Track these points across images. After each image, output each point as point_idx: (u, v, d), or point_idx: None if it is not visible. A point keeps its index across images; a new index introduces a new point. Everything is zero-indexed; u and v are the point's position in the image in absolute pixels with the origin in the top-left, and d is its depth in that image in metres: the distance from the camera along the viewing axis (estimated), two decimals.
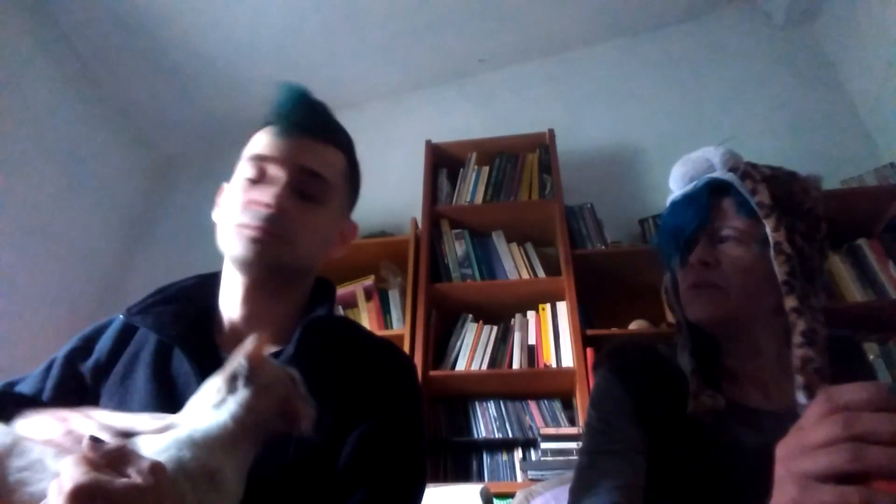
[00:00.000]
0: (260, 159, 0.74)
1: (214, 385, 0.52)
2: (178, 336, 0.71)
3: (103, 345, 0.75)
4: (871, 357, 1.71)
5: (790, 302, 0.73)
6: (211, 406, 0.50)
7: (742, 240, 0.78)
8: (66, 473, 0.42)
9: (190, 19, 2.38)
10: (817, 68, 2.59)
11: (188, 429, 0.49)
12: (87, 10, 2.30)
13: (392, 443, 0.68)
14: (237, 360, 0.52)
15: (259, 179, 0.73)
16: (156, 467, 0.44)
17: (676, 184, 0.87)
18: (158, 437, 0.48)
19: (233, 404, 0.50)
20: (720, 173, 0.81)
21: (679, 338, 0.84)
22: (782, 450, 0.44)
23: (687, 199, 0.83)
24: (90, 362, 0.73)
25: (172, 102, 2.71)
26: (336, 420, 0.65)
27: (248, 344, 0.53)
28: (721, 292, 0.78)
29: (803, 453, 0.41)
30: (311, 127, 0.77)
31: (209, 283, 0.79)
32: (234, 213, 0.71)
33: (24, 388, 0.73)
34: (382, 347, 0.78)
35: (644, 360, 0.83)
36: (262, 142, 0.76)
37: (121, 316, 0.77)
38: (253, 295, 0.73)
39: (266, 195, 0.70)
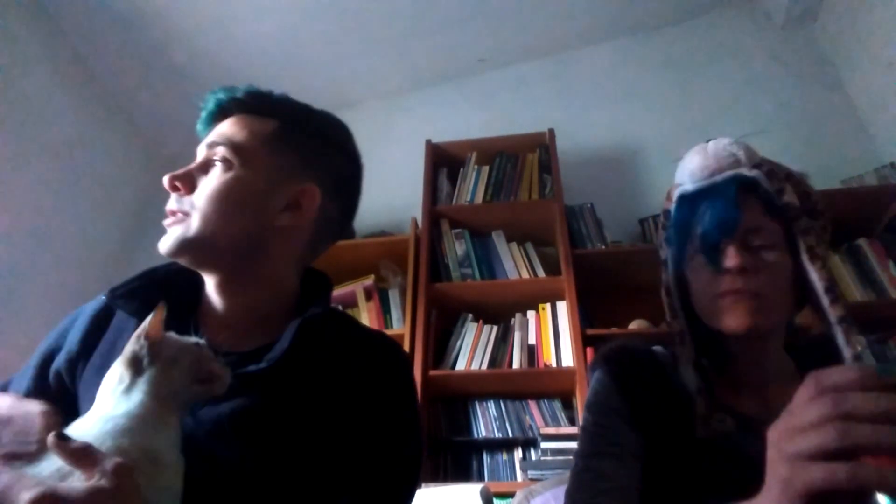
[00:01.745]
0: None
1: (117, 372, 0.51)
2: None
3: (73, 335, 0.72)
4: (859, 349, 1.72)
5: (837, 311, 0.69)
6: (121, 392, 0.50)
7: (775, 244, 0.73)
8: (18, 483, 0.40)
9: (190, 19, 2.38)
10: (817, 68, 2.59)
11: (111, 418, 0.48)
12: (87, 9, 2.30)
13: (380, 448, 0.66)
14: (135, 342, 0.52)
15: None
16: (120, 468, 0.43)
17: (693, 176, 0.79)
18: (87, 430, 0.47)
19: (143, 385, 0.50)
20: (746, 170, 0.75)
21: (682, 349, 0.78)
22: (773, 433, 0.46)
23: (709, 196, 0.76)
24: (62, 358, 0.70)
25: (172, 102, 2.70)
26: (326, 420, 0.64)
27: (146, 323, 0.52)
28: (762, 301, 0.72)
29: (794, 434, 0.43)
30: (218, 111, 0.76)
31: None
32: None
33: (17, 385, 0.71)
34: (375, 344, 0.76)
35: (640, 365, 0.80)
36: None
37: (102, 297, 0.73)
38: (220, 286, 0.72)
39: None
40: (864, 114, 2.44)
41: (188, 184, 0.70)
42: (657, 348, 0.86)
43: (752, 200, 0.75)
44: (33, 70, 2.26)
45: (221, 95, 0.76)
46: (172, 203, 0.71)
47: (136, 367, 0.50)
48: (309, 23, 2.48)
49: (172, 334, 0.54)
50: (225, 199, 0.69)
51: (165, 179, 0.70)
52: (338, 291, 2.22)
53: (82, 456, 0.43)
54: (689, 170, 0.79)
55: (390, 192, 2.42)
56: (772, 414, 0.72)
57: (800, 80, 2.58)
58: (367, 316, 2.18)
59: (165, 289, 0.73)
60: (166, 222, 0.70)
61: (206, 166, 0.72)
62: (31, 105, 2.24)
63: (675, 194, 0.82)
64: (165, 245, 0.68)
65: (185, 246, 0.68)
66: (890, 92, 2.28)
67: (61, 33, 2.38)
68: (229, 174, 0.70)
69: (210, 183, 0.70)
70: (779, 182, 0.74)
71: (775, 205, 0.74)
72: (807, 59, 2.63)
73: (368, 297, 2.22)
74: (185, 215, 0.69)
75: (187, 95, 2.93)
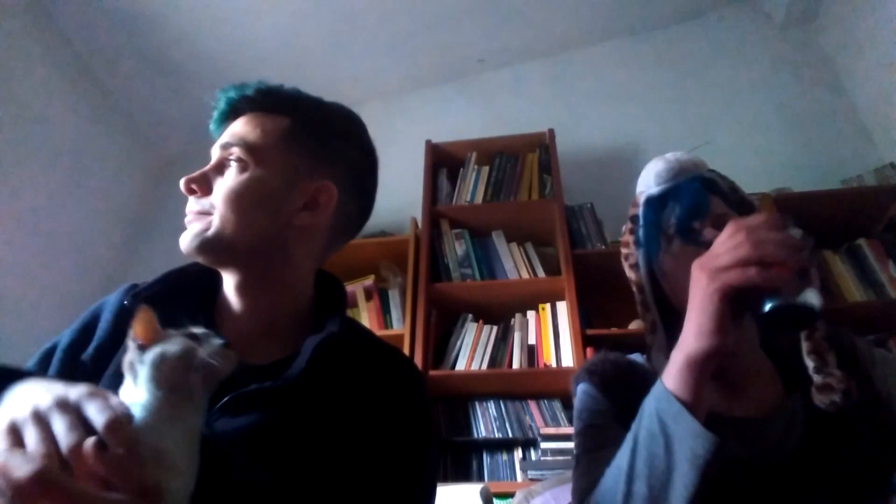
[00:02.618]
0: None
1: (126, 380, 0.53)
2: None
3: (103, 327, 0.71)
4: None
5: None
6: (131, 395, 0.51)
7: None
8: (13, 458, 0.39)
9: (190, 19, 2.38)
10: (817, 68, 2.59)
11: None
12: (87, 10, 2.30)
13: (396, 470, 0.65)
14: (128, 348, 0.53)
15: None
16: (154, 490, 0.42)
17: (659, 178, 0.86)
18: None
19: (143, 384, 0.51)
20: (705, 172, 0.84)
21: (655, 339, 0.82)
22: (697, 262, 0.61)
23: (676, 193, 0.82)
24: (91, 349, 0.69)
25: (172, 102, 2.71)
26: (342, 439, 0.63)
27: (132, 328, 0.53)
28: None
29: (715, 256, 0.59)
30: (230, 110, 0.76)
31: (214, 272, 0.75)
32: None
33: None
34: (391, 362, 0.74)
35: (622, 373, 0.83)
36: None
37: (122, 290, 0.74)
38: (239, 287, 0.71)
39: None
40: (864, 114, 2.44)
41: (204, 186, 0.70)
42: (635, 356, 0.89)
43: (714, 196, 0.81)
44: (33, 70, 2.26)
45: (232, 94, 0.75)
46: (192, 205, 0.71)
47: (133, 371, 0.52)
48: (309, 23, 2.48)
49: (166, 330, 0.55)
50: (242, 200, 0.68)
51: (182, 182, 0.70)
52: None
53: (119, 468, 0.42)
54: (655, 173, 0.86)
55: (390, 192, 2.39)
56: (751, 413, 0.73)
57: (800, 80, 2.58)
58: (367, 316, 2.18)
59: (185, 294, 0.72)
60: (187, 220, 0.70)
61: (221, 167, 0.71)
62: (31, 106, 2.24)
63: (641, 199, 0.87)
64: (185, 243, 0.68)
65: (204, 245, 0.68)
66: (890, 92, 2.28)
67: (61, 33, 2.38)
68: (245, 175, 0.69)
69: (226, 184, 0.69)
70: (729, 182, 0.83)
71: (732, 200, 0.81)
72: (807, 59, 2.63)
73: (368, 297, 2.22)
74: (207, 214, 0.69)
75: (187, 95, 2.95)
